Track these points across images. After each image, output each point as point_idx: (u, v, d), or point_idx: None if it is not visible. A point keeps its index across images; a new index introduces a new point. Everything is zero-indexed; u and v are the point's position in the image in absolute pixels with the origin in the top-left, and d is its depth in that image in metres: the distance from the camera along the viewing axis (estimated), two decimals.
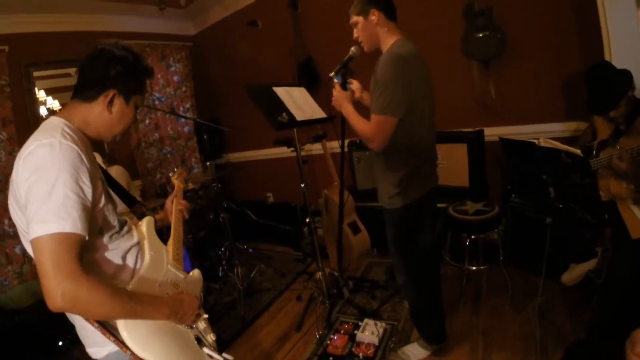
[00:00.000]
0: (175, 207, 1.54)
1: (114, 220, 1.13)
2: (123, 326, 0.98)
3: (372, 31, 1.90)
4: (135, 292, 1.05)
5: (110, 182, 1.32)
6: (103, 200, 1.08)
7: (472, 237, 2.81)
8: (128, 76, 1.15)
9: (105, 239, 1.09)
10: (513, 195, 3.04)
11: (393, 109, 1.75)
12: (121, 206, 1.52)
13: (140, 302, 1.02)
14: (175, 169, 1.87)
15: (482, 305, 2.72)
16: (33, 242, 0.91)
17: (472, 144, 3.23)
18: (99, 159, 3.26)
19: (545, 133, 3.00)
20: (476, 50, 3.17)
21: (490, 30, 3.06)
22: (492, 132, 3.30)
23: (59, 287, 0.87)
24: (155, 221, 1.34)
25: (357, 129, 1.88)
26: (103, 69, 1.11)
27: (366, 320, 2.46)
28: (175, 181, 1.74)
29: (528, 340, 2.27)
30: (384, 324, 2.44)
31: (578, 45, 2.91)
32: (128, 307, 0.98)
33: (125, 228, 1.18)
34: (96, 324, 0.98)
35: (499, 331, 2.41)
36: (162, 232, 1.41)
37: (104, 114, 1.14)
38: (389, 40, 1.89)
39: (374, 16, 1.84)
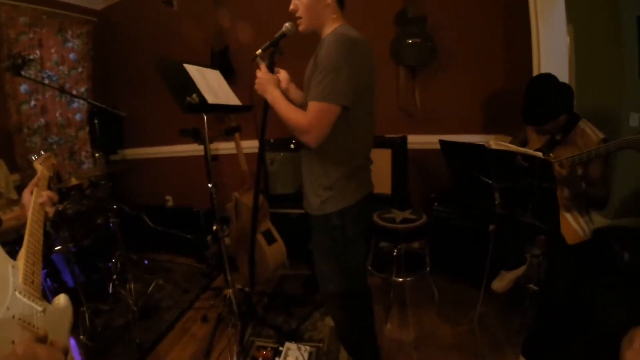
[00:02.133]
0: (34, 200, 1.10)
1: None
2: None
3: (318, 12, 1.65)
4: None
5: None
6: None
7: (398, 246, 2.69)
8: None
9: None
10: (436, 204, 2.99)
11: (337, 95, 1.50)
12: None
13: None
14: (42, 152, 1.40)
15: (409, 318, 2.62)
16: None
17: (397, 150, 3.16)
18: None
19: None
20: (405, 56, 3.13)
21: (422, 38, 3.03)
22: (413, 140, 3.27)
23: None
24: (0, 221, 0.88)
25: (288, 119, 1.58)
26: None
27: (287, 344, 2.16)
28: (39, 166, 1.29)
29: (463, 350, 2.22)
30: (308, 347, 2.15)
31: (505, 62, 3.01)
32: None
33: None
34: None
35: (432, 343, 2.34)
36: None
37: None
38: (331, 25, 1.67)
39: None
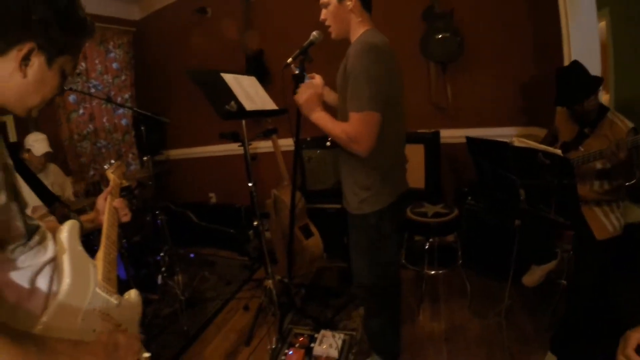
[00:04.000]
0: (108, 207, 1.21)
1: (19, 227, 0.81)
2: None
3: (344, 17, 1.72)
4: (47, 339, 0.73)
5: (23, 171, 1.00)
6: (3, 197, 0.76)
7: (430, 239, 2.73)
8: (55, 26, 0.82)
9: (7, 253, 0.78)
10: (469, 198, 3.01)
11: (376, 103, 1.57)
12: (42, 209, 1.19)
13: (54, 354, 0.71)
14: (113, 161, 1.53)
15: (441, 311, 2.66)
16: None
17: (429, 145, 3.18)
18: (40, 160, 2.90)
19: (500, 137, 2.99)
20: (435, 51, 3.15)
21: (449, 33, 3.05)
22: (446, 135, 3.28)
23: None
24: (82, 225, 1.02)
25: (335, 134, 1.65)
26: (20, 10, 0.77)
27: (322, 331, 2.28)
28: (112, 175, 1.40)
29: (492, 344, 2.24)
30: (342, 335, 2.26)
31: (534, 53, 2.97)
32: None
33: (36, 237, 0.85)
34: None
35: (462, 337, 2.37)
36: (93, 240, 1.11)
37: (15, 75, 0.80)
38: (359, 30, 1.73)
39: (350, 2, 1.66)
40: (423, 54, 3.22)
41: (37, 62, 0.81)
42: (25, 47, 0.79)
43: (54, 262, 0.88)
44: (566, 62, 2.42)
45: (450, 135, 3.31)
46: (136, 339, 0.91)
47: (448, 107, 3.35)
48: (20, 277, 0.79)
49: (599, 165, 1.89)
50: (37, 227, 0.88)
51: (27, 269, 0.81)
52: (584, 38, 2.36)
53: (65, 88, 0.92)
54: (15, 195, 0.82)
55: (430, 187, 3.22)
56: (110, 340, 0.84)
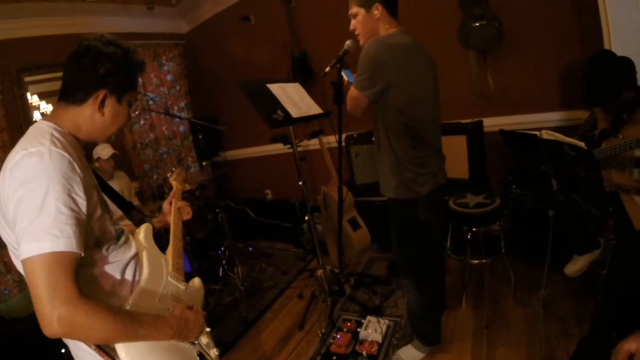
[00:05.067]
0: (174, 210, 1.46)
1: (111, 231, 1.07)
2: (121, 346, 0.93)
3: (372, 26, 1.85)
4: (136, 313, 0.98)
5: (105, 188, 1.26)
6: (99, 210, 1.01)
7: (473, 229, 2.76)
8: (118, 73, 1.05)
9: (103, 251, 1.03)
10: (514, 186, 3.00)
11: (365, 86, 1.79)
12: (117, 212, 1.46)
13: (142, 324, 0.95)
14: (174, 169, 1.79)
15: (485, 299, 2.69)
16: (24, 262, 0.84)
17: (472, 135, 3.19)
18: (109, 163, 3.30)
19: (545, 122, 2.98)
20: (473, 39, 3.14)
21: (487, 20, 3.03)
22: (491, 123, 3.27)
23: (54, 312, 0.80)
24: (153, 226, 1.28)
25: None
26: (90, 67, 1.01)
27: (369, 317, 2.44)
28: (174, 182, 1.66)
29: (532, 334, 2.25)
30: (387, 321, 2.42)
31: (577, 34, 2.87)
32: (130, 330, 0.91)
33: (123, 238, 1.11)
34: (93, 346, 0.94)
35: (503, 325, 2.39)
36: (161, 238, 1.35)
37: (95, 116, 1.05)
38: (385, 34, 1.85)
39: (377, 11, 1.80)
40: (462, 43, 3.23)
41: (110, 103, 1.07)
42: (100, 95, 1.04)
43: (136, 257, 1.13)
44: (606, 44, 2.35)
45: (495, 123, 3.29)
46: (201, 316, 1.17)
47: (490, 95, 3.33)
48: (113, 269, 1.05)
49: (638, 153, 1.85)
50: (123, 231, 1.14)
51: (118, 262, 1.06)
52: (623, 16, 2.25)
53: (132, 114, 1.17)
54: (105, 207, 1.08)
55: (474, 178, 3.24)
56: (182, 316, 1.09)
